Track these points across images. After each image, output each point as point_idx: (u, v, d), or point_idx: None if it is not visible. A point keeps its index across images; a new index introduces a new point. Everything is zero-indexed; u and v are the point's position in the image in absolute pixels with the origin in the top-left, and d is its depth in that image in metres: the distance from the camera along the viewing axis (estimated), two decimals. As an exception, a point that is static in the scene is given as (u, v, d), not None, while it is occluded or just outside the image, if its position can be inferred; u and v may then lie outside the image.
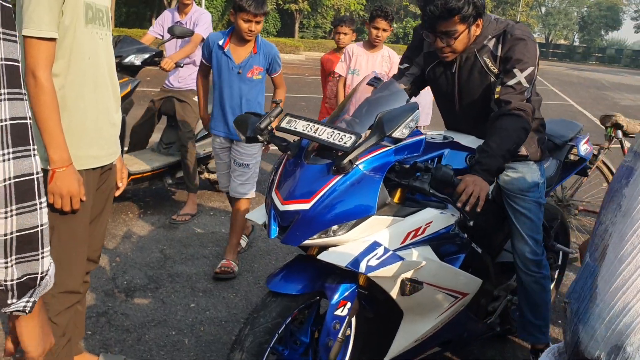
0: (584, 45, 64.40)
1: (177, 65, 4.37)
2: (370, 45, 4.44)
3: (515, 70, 2.26)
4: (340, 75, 4.50)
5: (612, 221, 0.78)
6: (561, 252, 3.23)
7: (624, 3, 65.78)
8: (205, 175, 5.12)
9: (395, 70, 4.02)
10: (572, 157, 3.06)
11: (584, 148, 3.02)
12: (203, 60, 3.65)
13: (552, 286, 3.28)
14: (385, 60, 4.42)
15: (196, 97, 4.52)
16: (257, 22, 3.39)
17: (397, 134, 1.90)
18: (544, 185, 2.59)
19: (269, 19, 31.15)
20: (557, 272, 3.25)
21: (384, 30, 4.33)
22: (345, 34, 4.82)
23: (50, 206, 2.00)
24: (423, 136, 2.13)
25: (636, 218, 0.75)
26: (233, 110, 3.54)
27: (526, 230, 2.52)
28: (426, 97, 4.46)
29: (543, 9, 63.66)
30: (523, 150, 2.46)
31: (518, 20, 2.60)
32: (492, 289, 2.65)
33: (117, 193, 2.47)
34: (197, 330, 3.00)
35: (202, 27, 4.56)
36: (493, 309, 2.71)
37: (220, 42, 3.49)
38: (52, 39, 1.90)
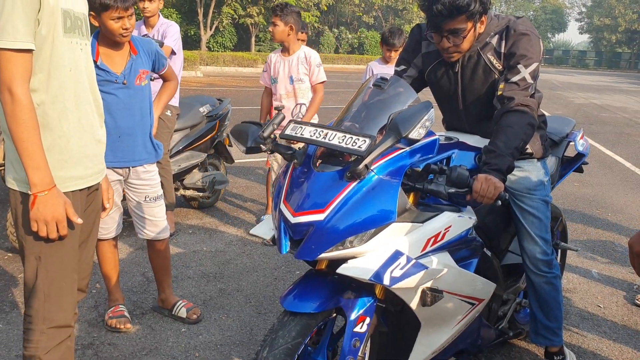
0: (532, 48, 66.16)
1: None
2: (285, 48, 4.33)
3: (520, 66, 2.19)
4: (265, 87, 4.46)
5: None
6: (560, 251, 3.19)
7: (567, 6, 68.12)
8: (181, 191, 4.92)
9: (315, 71, 4.14)
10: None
11: (581, 143, 2.99)
12: None
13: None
14: (302, 62, 4.25)
15: (169, 111, 4.35)
16: (130, 16, 2.65)
17: (413, 134, 1.79)
18: (549, 183, 2.53)
19: (226, 33, 30.94)
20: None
21: (275, 25, 4.21)
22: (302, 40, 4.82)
23: (35, 235, 1.82)
24: (437, 136, 2.03)
25: None
26: (131, 130, 2.81)
27: (535, 230, 2.45)
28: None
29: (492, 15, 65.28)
30: (528, 148, 2.39)
31: (519, 16, 2.56)
32: (502, 292, 2.57)
33: (104, 215, 2.29)
34: (191, 356, 2.82)
35: (170, 38, 4.40)
36: (503, 313, 2.63)
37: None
38: (29, 51, 1.72)
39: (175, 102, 4.51)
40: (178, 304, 3.17)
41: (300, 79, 4.22)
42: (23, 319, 1.94)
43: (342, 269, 1.77)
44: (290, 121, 1.96)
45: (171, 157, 4.59)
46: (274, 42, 4.83)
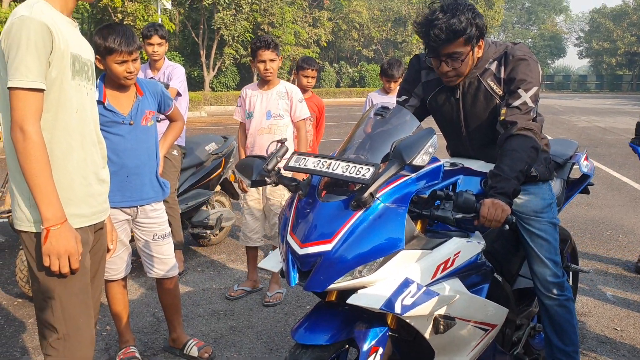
0: (532, 74, 66.75)
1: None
2: (263, 82, 3.97)
3: (520, 91, 2.22)
4: (240, 122, 4.06)
5: None
6: (572, 273, 3.16)
7: (565, 31, 68.85)
8: (189, 230, 4.93)
9: (297, 107, 3.87)
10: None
11: (585, 164, 3.00)
12: None
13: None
14: (282, 97, 3.89)
15: (175, 151, 4.40)
16: (134, 60, 2.72)
17: (417, 161, 1.80)
18: (556, 205, 2.53)
19: (228, 73, 31.39)
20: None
21: (272, 60, 3.85)
22: (312, 77, 4.65)
23: (47, 270, 1.84)
24: (441, 162, 2.04)
25: None
26: (138, 169, 2.84)
27: (544, 253, 2.43)
28: None
29: (490, 43, 66.11)
30: (533, 171, 2.40)
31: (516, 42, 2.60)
32: (515, 317, 2.54)
33: (109, 256, 2.31)
34: (204, 396, 2.78)
35: (176, 80, 4.48)
36: (518, 338, 2.60)
37: (96, 97, 2.67)
38: (41, 90, 1.79)
39: (181, 141, 4.57)
40: (189, 343, 3.15)
41: (279, 115, 3.87)
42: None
43: (353, 299, 1.76)
44: (293, 153, 1.98)
45: (179, 195, 4.61)
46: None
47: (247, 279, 4.17)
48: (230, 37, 28.01)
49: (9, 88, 1.77)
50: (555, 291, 2.45)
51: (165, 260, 3.00)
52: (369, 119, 2.11)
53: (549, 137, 2.72)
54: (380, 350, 1.88)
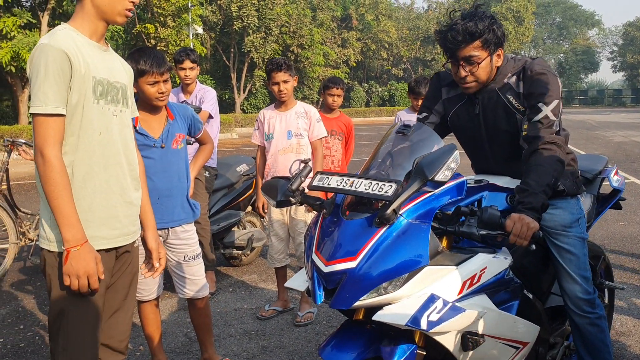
0: (565, 90, 65.80)
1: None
2: (280, 103, 4.00)
3: (540, 105, 2.22)
4: (258, 145, 4.08)
5: None
6: (607, 290, 3.10)
7: (598, 45, 67.83)
8: (221, 250, 4.99)
9: (315, 126, 3.90)
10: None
11: (615, 179, 2.95)
12: None
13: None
14: (301, 117, 3.94)
15: (207, 172, 4.48)
16: (165, 81, 2.81)
17: (439, 177, 1.81)
18: (584, 221, 2.49)
19: (259, 95, 31.83)
20: (606, 310, 3.10)
21: (285, 81, 3.88)
22: (339, 95, 4.66)
23: (66, 289, 1.90)
24: (464, 178, 2.05)
25: None
26: (169, 191, 2.91)
27: (573, 269, 2.40)
28: None
29: (520, 60, 65.51)
30: (560, 185, 2.38)
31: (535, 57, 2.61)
32: (548, 336, 2.50)
33: (156, 275, 2.38)
34: (236, 415, 2.80)
35: (208, 103, 4.58)
36: (552, 357, 2.55)
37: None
38: (60, 115, 1.86)
39: (213, 163, 4.66)
40: None
41: (299, 134, 3.92)
42: None
43: (378, 316, 1.77)
44: (317, 172, 2.02)
45: (210, 217, 4.68)
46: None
47: (277, 299, 4.19)
48: (260, 60, 28.46)
49: (30, 114, 1.85)
50: (586, 308, 2.40)
51: (195, 280, 3.05)
52: (392, 137, 2.13)
53: (581, 152, 2.70)
54: (408, 368, 1.87)
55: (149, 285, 2.99)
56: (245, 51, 28.85)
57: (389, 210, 1.79)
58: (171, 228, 2.96)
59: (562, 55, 65.30)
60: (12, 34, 16.46)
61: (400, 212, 1.84)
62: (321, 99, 4.71)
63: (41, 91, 1.83)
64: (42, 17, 18.38)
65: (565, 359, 2.69)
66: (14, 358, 3.44)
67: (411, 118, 4.54)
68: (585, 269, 2.43)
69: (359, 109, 36.01)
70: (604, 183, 3.02)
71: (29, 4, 18.65)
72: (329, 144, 4.58)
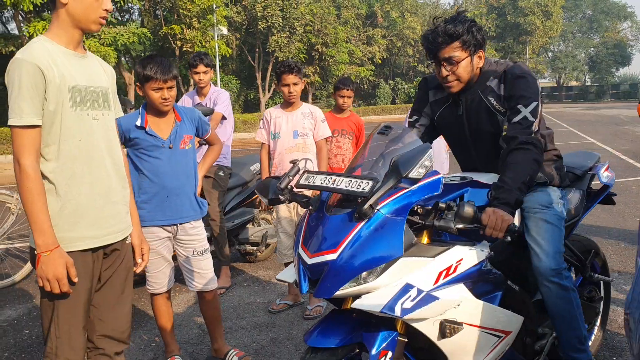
0: (596, 84, 64.55)
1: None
2: (287, 104, 4.18)
3: (520, 107, 2.34)
4: (262, 143, 4.26)
5: None
6: (602, 284, 3.17)
7: (630, 39, 66.27)
8: (236, 246, 5.17)
9: (320, 126, 4.05)
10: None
11: (605, 175, 3.02)
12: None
13: (598, 320, 3.20)
14: (307, 117, 4.11)
15: (222, 171, 4.65)
16: (170, 88, 2.96)
17: (413, 174, 1.94)
18: (565, 208, 2.58)
19: (283, 94, 32.03)
20: (601, 304, 3.17)
21: (295, 84, 4.04)
22: (348, 96, 4.79)
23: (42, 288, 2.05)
24: (440, 175, 2.17)
25: None
26: (178, 190, 3.07)
27: (548, 238, 2.41)
28: (440, 148, 4.56)
29: (550, 54, 64.43)
30: (542, 177, 2.49)
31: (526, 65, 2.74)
32: (535, 327, 2.60)
33: (138, 269, 2.50)
34: (241, 401, 2.96)
35: (221, 105, 4.74)
36: (540, 348, 2.64)
37: (138, 123, 2.98)
38: (35, 126, 1.98)
39: (227, 162, 4.83)
40: (230, 353, 3.34)
41: (305, 134, 4.10)
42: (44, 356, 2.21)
43: (356, 304, 1.91)
44: (304, 171, 2.16)
45: (225, 214, 4.86)
46: (283, 99, 4.25)
47: (288, 293, 4.35)
48: (284, 59, 28.66)
49: (8, 126, 1.99)
50: (553, 278, 2.40)
51: (204, 274, 3.22)
52: (375, 137, 2.26)
53: (601, 146, 2.78)
54: (390, 354, 2.00)
55: (160, 279, 3.18)
56: (270, 51, 29.07)
57: (366, 206, 1.92)
58: (180, 224, 3.13)
59: (592, 49, 63.99)
60: (43, 37, 16.91)
61: (378, 208, 1.96)
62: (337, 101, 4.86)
63: (16, 104, 1.95)
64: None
65: (554, 349, 2.77)
66: (39, 347, 3.66)
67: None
68: (560, 241, 2.45)
69: (384, 107, 35.97)
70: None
71: (59, 8, 19.10)
72: (340, 142, 4.73)
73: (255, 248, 5.25)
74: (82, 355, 2.21)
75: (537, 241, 2.44)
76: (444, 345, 2.08)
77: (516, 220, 2.41)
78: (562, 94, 61.35)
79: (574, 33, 65.52)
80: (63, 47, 2.09)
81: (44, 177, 2.04)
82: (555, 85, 65.72)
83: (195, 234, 3.18)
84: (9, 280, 4.84)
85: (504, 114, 2.41)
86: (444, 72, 2.42)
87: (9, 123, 1.97)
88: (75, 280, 2.06)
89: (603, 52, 61.95)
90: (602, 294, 3.19)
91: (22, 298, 4.62)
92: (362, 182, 1.95)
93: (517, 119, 2.33)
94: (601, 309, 3.20)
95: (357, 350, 2.06)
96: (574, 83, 69.49)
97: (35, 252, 2.01)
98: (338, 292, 1.92)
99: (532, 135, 2.31)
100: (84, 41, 2.24)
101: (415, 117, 2.72)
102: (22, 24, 17.10)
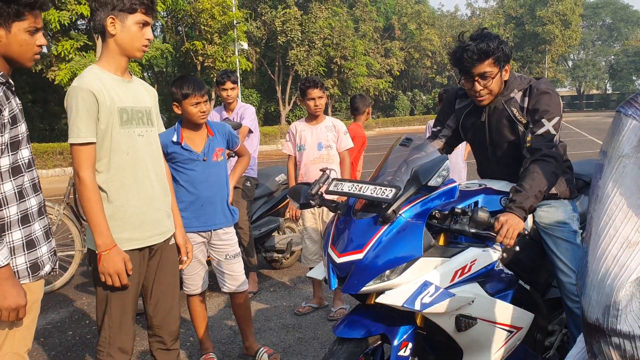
0: (617, 92, 64.06)
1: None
2: (312, 117, 4.42)
3: (544, 120, 2.54)
4: (289, 155, 4.48)
5: (593, 208, 1.02)
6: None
7: (651, 46, 65.65)
8: (263, 254, 5.42)
9: (342, 138, 4.29)
10: None
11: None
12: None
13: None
14: (330, 130, 4.33)
15: (249, 182, 4.91)
16: (205, 102, 3.25)
17: (432, 182, 2.17)
18: (578, 221, 2.77)
19: (303, 107, 32.31)
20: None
21: (320, 97, 4.29)
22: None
23: (103, 284, 2.34)
24: (456, 183, 2.39)
25: (604, 201, 1.00)
26: (211, 199, 3.33)
27: (570, 257, 2.64)
28: (457, 157, 4.80)
29: (570, 63, 64.10)
30: (553, 190, 2.68)
31: (545, 76, 2.97)
32: (546, 323, 2.79)
33: (184, 266, 2.79)
34: (272, 394, 3.18)
35: (247, 119, 5.01)
36: (550, 343, 2.83)
37: (174, 139, 3.24)
38: (91, 143, 2.28)
39: (253, 173, 5.09)
40: (260, 350, 3.58)
41: (329, 145, 4.32)
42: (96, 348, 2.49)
43: (380, 299, 2.14)
44: (333, 179, 2.41)
45: (252, 223, 5.12)
46: (306, 111, 4.53)
47: (313, 297, 4.58)
48: (304, 72, 29.03)
49: (70, 144, 2.29)
50: (577, 293, 2.64)
51: (235, 276, 3.47)
52: (397, 148, 2.51)
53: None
54: (410, 345, 2.22)
55: (195, 281, 3.44)
56: (290, 64, 29.49)
57: (390, 211, 2.16)
58: (214, 230, 3.39)
59: (612, 57, 63.57)
60: (70, 56, 17.48)
61: (400, 212, 2.20)
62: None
63: (75, 125, 2.26)
64: (97, 39, 19.41)
65: (563, 345, 2.96)
66: (82, 347, 3.94)
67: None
68: (578, 258, 2.68)
69: (403, 118, 36.21)
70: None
71: (85, 27, 19.72)
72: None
73: (280, 255, 5.50)
74: (132, 343, 2.50)
75: (560, 259, 2.66)
76: (459, 338, 2.29)
77: (527, 225, 2.62)
78: (582, 102, 61.03)
79: (593, 41, 65.15)
80: (112, 74, 2.40)
81: (99, 187, 2.33)
82: (576, 93, 65.30)
83: (228, 239, 3.44)
84: (49, 286, 5.14)
85: (524, 125, 2.62)
86: (478, 87, 2.61)
87: (69, 141, 2.28)
88: (130, 273, 2.35)
89: (624, 60, 61.48)
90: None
91: (64, 303, 4.92)
92: (386, 189, 2.19)
93: (540, 131, 2.53)
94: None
95: (380, 341, 2.28)
96: (594, 91, 68.97)
97: (96, 252, 2.29)
98: (364, 288, 2.15)
99: (554, 148, 2.50)
100: None
101: (438, 128, 2.96)
102: (50, 44, 17.65)
